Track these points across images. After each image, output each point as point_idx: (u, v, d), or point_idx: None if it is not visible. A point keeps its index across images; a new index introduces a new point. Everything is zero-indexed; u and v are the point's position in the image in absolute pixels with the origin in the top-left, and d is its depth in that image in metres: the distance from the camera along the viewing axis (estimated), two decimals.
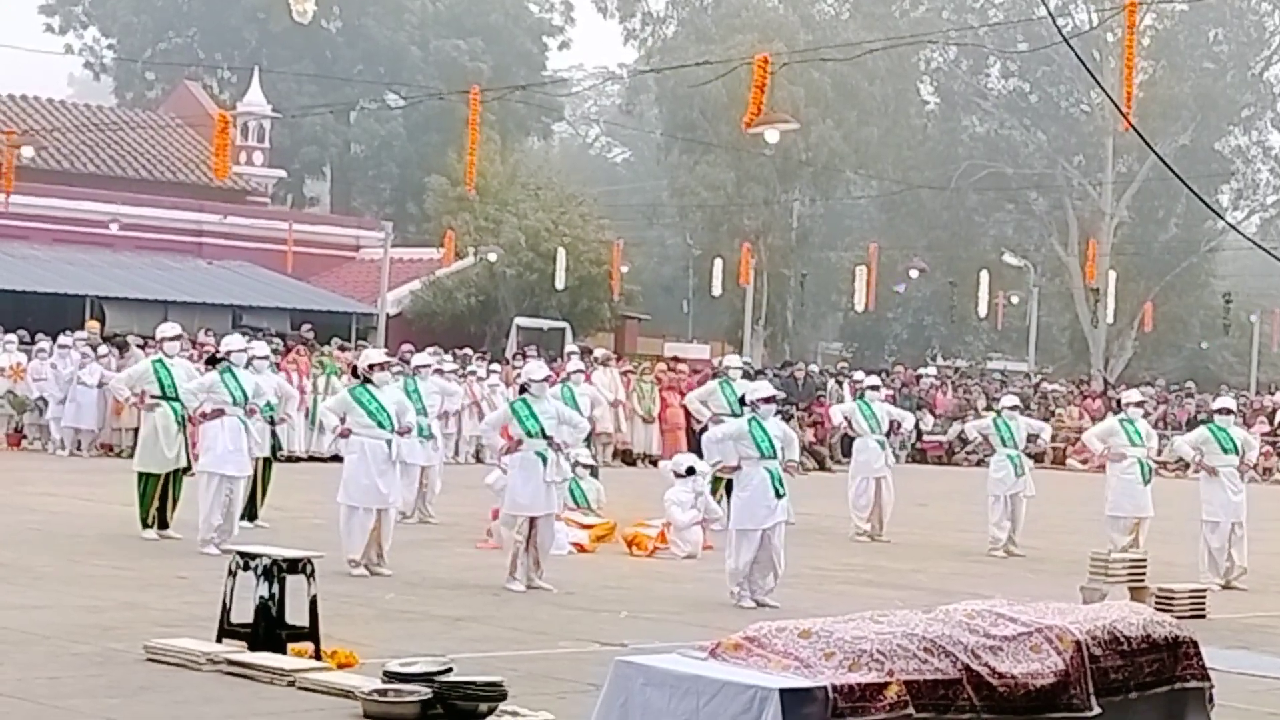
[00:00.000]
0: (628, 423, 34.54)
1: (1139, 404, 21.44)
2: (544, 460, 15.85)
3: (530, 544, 15.87)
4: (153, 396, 18.68)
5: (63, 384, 30.57)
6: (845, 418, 23.76)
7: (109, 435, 30.76)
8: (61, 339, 31.51)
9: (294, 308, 41.73)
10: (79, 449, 30.52)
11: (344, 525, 16.33)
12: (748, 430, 15.75)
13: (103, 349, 31.44)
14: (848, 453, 26.29)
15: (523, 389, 16.42)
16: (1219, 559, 18.77)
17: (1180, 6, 58.38)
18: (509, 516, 16.05)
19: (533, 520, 15.84)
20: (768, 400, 16.14)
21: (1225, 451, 19.19)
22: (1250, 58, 62.17)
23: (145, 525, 18.35)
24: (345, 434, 16.60)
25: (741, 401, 17.09)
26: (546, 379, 16.83)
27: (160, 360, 19.12)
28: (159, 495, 18.42)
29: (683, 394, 35.26)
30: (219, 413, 17.68)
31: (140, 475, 18.56)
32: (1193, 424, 41.08)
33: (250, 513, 19.32)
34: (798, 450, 16.87)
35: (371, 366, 17.01)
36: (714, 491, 21.24)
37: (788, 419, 33.69)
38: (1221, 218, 49.10)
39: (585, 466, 20.90)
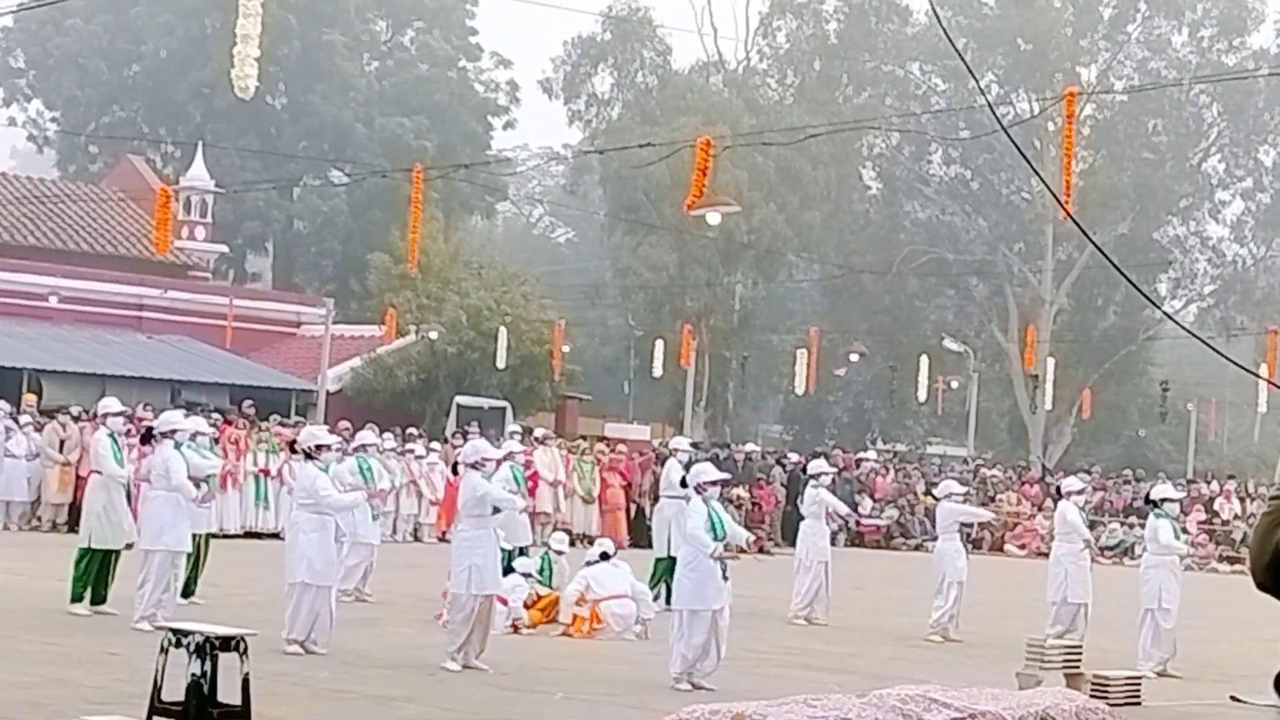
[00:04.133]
0: (567, 503, 34.47)
1: (1080, 492, 21.57)
2: (496, 540, 15.93)
3: (479, 623, 15.75)
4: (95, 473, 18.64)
5: None
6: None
7: (45, 509, 30.41)
8: None
9: (234, 383, 41.50)
10: (10, 521, 30.18)
11: (295, 603, 16.05)
12: (707, 514, 15.66)
13: (24, 418, 31.17)
14: (786, 535, 26.28)
15: (476, 466, 16.30)
16: (1164, 647, 18.71)
17: (1120, 97, 59.11)
18: (467, 596, 15.74)
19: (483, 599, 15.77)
20: (714, 484, 16.11)
21: (1176, 539, 19.35)
22: (1189, 149, 62.90)
23: (76, 600, 18.18)
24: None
25: (682, 483, 17.00)
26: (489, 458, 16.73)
27: (113, 435, 19.09)
28: (97, 570, 18.30)
29: (623, 474, 35.34)
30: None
31: (83, 550, 18.41)
32: (1130, 511, 41.40)
33: (186, 589, 19.18)
34: (744, 538, 16.65)
35: (319, 447, 16.89)
36: (654, 576, 21.18)
37: (731, 503, 33.76)
38: (1159, 307, 49.50)
39: (557, 552, 20.82)
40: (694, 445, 31.98)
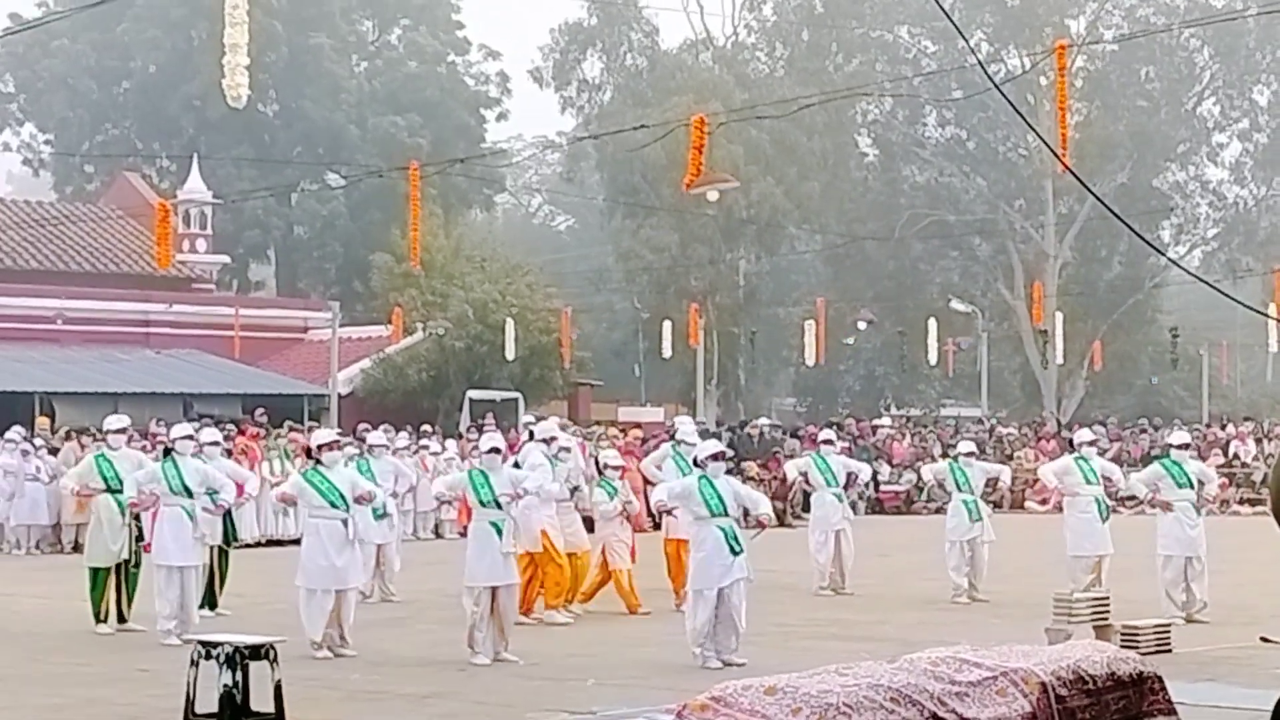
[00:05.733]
0: (586, 488, 34.38)
1: (1091, 443, 21.58)
2: (498, 531, 15.85)
3: (494, 615, 15.80)
4: (96, 489, 18.60)
5: (11, 481, 30.30)
6: (801, 473, 23.72)
7: (65, 531, 30.46)
8: (9, 434, 31.26)
9: (245, 393, 41.56)
10: (35, 546, 30.26)
11: (303, 608, 16.22)
12: (696, 489, 15.71)
13: (39, 441, 31.23)
14: (808, 508, 26.29)
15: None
16: (1174, 594, 18.88)
17: (1111, 47, 58.94)
18: (468, 588, 15.97)
19: (494, 591, 15.80)
20: (715, 457, 16.10)
21: (1180, 486, 19.30)
22: (1183, 94, 62.72)
23: (99, 620, 18.22)
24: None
25: (695, 463, 17.00)
26: (496, 450, 16.75)
27: (102, 454, 19.09)
28: (114, 588, 18.32)
29: (638, 457, 35.29)
30: (154, 498, 17.58)
31: (91, 570, 18.48)
32: (1148, 460, 41.35)
33: (210, 601, 19.21)
34: (767, 506, 16.45)
35: (320, 447, 16.97)
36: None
37: (747, 478, 33.73)
38: (1163, 254, 49.43)
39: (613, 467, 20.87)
40: (702, 425, 32.01)
